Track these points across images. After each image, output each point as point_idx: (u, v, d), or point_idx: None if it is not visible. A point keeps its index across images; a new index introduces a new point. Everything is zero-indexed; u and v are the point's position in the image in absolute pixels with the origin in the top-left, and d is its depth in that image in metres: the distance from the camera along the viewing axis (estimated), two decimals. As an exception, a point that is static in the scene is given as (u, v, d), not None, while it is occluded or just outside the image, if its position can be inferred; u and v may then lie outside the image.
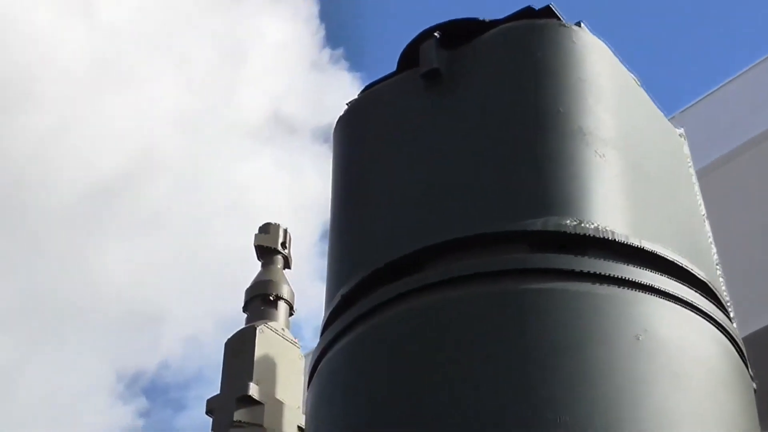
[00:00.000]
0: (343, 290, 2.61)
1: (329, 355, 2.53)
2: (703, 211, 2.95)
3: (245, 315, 4.66)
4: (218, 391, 4.31)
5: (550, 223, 2.44)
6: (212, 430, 4.23)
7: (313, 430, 2.50)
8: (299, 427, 4.31)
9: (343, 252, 2.76)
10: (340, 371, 2.47)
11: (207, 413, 4.28)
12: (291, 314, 4.68)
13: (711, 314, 2.49)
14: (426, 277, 2.46)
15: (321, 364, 2.57)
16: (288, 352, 4.51)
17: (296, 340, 4.60)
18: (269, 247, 4.80)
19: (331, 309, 2.64)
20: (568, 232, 2.43)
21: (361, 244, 2.68)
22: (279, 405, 4.29)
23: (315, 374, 2.59)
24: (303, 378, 4.55)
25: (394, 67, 2.98)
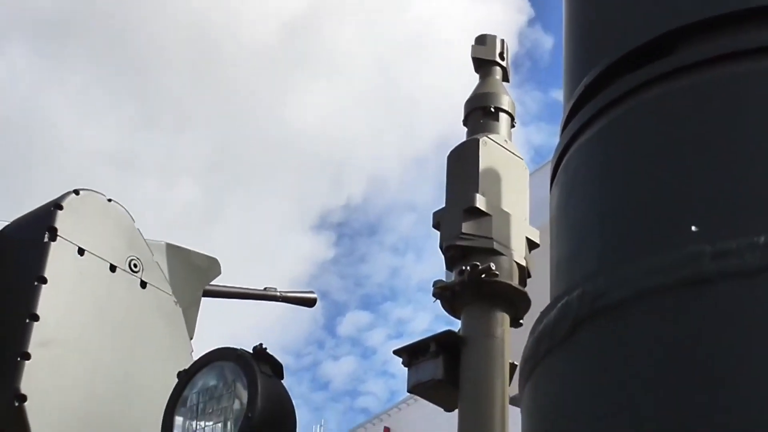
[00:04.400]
0: (587, 79, 2.48)
1: (576, 145, 2.42)
2: None
3: (465, 129, 4.58)
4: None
5: (817, -7, 2.24)
6: (440, 242, 4.21)
7: (563, 225, 2.42)
8: (527, 239, 4.25)
9: (585, 40, 2.62)
10: (590, 161, 2.36)
11: (434, 227, 4.26)
12: (513, 126, 4.56)
13: None
14: (678, 59, 2.30)
15: (566, 156, 2.46)
16: (512, 164, 4.42)
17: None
18: (487, 58, 4.67)
19: (573, 100, 2.52)
20: (838, 2, 2.23)
21: (605, 29, 2.53)
22: (506, 216, 4.23)
23: (560, 169, 2.49)
24: (528, 190, 4.47)
25: None
